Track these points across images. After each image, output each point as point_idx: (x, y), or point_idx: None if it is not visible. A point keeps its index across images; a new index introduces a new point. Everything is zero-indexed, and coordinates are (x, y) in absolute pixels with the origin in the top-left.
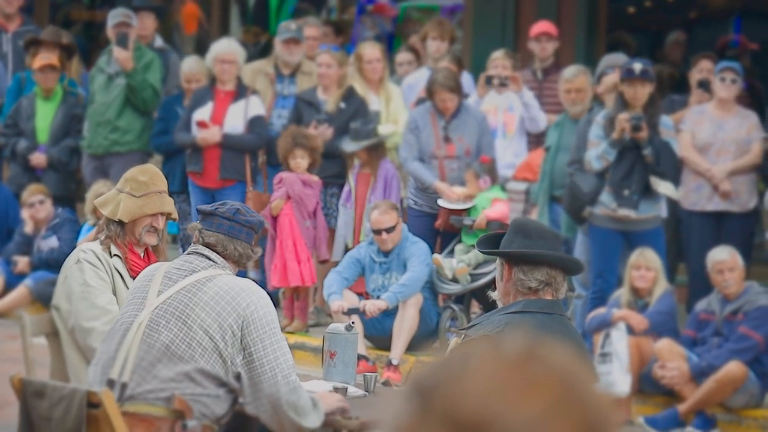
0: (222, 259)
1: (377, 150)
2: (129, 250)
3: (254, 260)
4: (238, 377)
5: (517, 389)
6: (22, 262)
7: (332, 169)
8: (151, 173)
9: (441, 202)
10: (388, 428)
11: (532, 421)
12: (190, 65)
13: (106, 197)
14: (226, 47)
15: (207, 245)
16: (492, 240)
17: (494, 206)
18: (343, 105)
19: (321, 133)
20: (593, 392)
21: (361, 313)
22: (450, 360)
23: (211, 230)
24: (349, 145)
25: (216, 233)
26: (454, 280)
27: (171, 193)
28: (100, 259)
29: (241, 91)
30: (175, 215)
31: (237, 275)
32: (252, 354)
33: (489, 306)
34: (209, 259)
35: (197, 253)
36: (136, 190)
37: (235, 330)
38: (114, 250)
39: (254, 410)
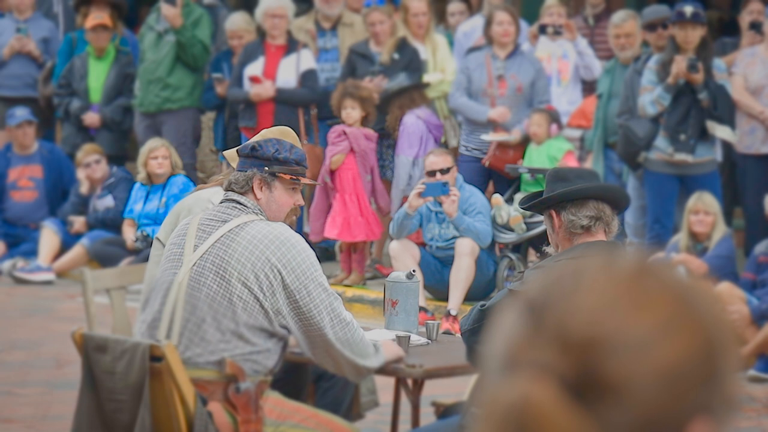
0: (253, 202)
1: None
2: None
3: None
4: (286, 329)
5: (630, 305)
6: (78, 221)
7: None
8: (289, 136)
9: (485, 137)
10: (498, 345)
11: (645, 338)
12: (234, 21)
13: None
14: (276, 2)
15: (231, 189)
16: (533, 198)
17: (567, 161)
18: (396, 56)
19: (376, 84)
20: (712, 310)
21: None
22: (562, 277)
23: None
24: (390, 84)
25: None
26: (509, 228)
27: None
28: None
29: (291, 45)
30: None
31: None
32: (298, 301)
33: (546, 255)
34: (240, 204)
35: (228, 200)
36: None
37: (272, 280)
38: None
39: (315, 360)
